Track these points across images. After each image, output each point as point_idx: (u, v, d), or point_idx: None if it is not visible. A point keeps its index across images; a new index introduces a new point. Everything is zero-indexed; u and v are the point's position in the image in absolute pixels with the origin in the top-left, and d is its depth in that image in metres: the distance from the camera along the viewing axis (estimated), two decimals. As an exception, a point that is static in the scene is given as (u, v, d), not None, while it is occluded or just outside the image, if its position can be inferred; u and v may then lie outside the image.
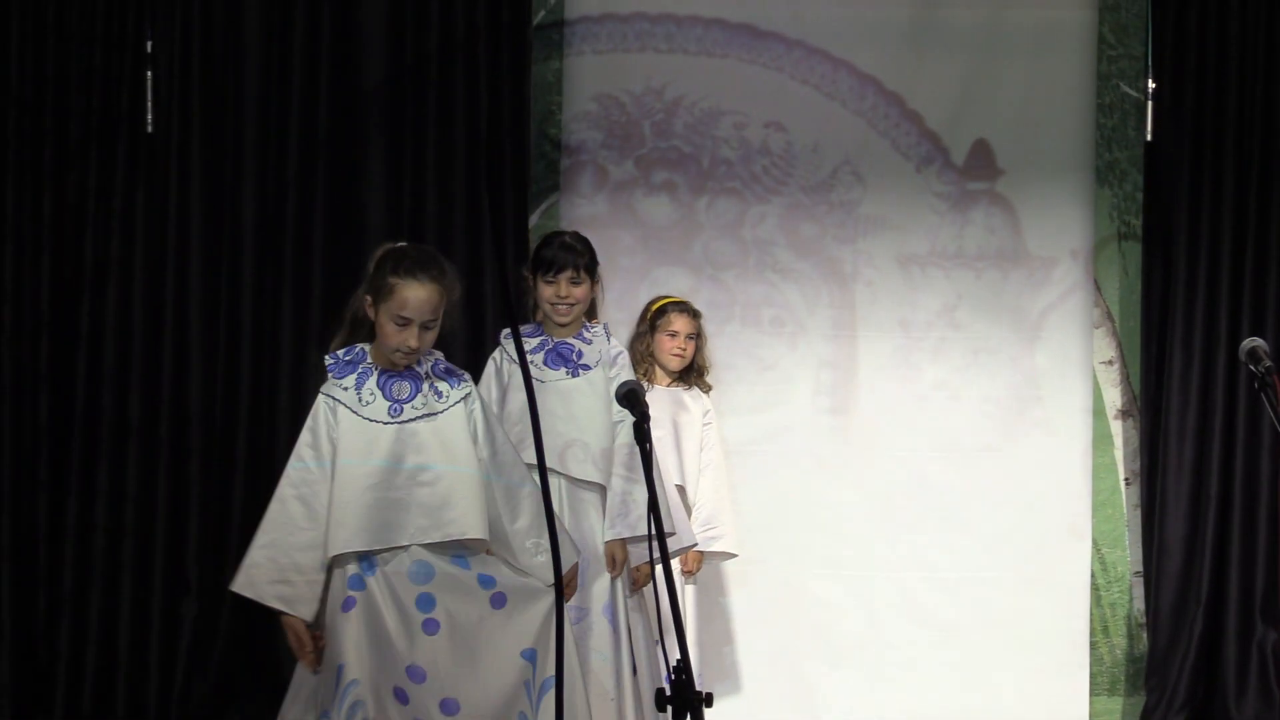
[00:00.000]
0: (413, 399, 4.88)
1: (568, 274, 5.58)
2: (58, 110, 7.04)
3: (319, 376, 4.96)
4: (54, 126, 7.05)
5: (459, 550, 4.85)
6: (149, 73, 7.09)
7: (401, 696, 4.78)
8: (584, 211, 7.35)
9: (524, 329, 5.61)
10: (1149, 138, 7.28)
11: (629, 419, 4.51)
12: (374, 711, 4.73)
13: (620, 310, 6.77)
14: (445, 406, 4.90)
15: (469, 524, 4.83)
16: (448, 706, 4.78)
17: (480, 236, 7.06)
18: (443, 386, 4.92)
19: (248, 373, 7.08)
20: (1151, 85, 7.27)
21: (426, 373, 4.92)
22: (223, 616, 6.98)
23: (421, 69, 7.13)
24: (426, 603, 4.80)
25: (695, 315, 6.71)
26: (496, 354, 5.67)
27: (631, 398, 4.51)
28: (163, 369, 7.05)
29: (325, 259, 7.05)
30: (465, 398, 4.93)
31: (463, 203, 7.05)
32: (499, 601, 4.83)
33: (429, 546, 4.82)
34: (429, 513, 4.82)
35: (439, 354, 4.97)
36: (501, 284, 3.99)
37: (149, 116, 7.08)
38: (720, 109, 7.40)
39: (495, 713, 4.78)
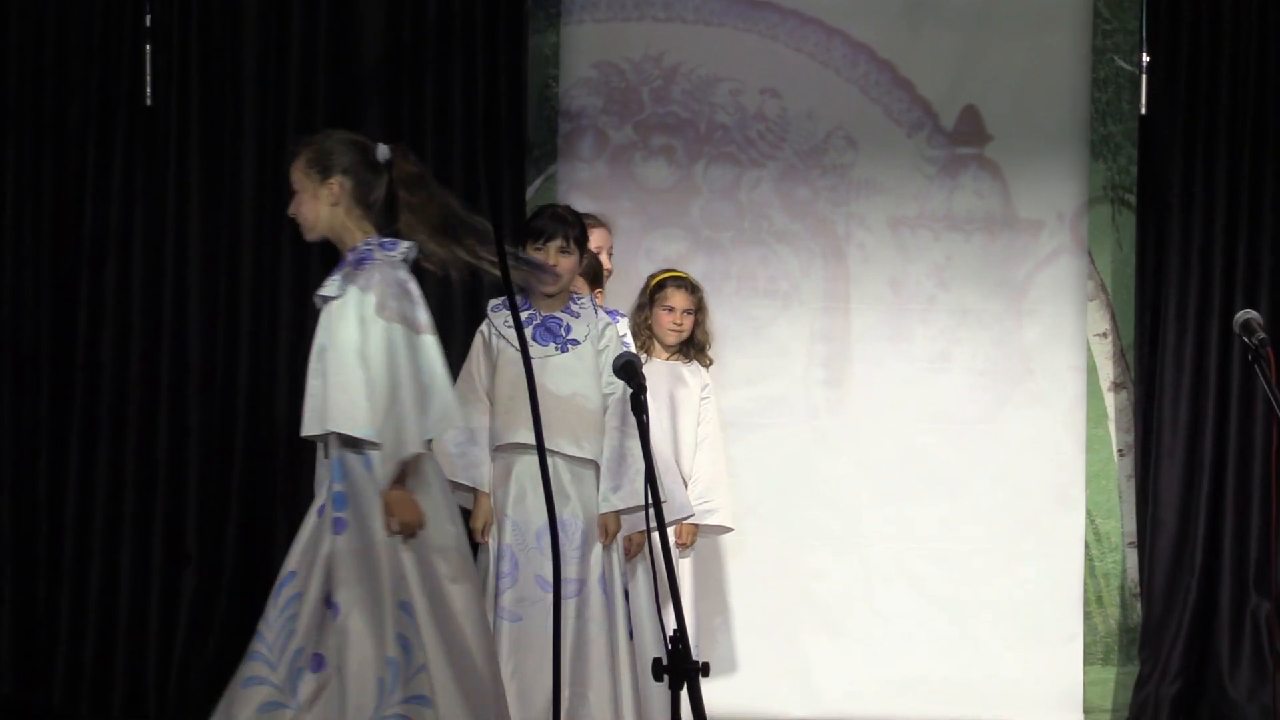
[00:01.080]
0: (324, 285, 4.91)
1: (557, 243, 5.59)
2: (57, 84, 7.04)
3: None
4: (53, 100, 7.04)
5: (362, 449, 4.80)
6: (148, 46, 7.10)
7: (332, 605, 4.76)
8: (584, 175, 7.39)
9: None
10: (1143, 111, 7.29)
11: (621, 388, 4.51)
12: (307, 623, 4.71)
13: (618, 272, 6.77)
14: (335, 294, 4.85)
15: (335, 417, 4.74)
16: (334, 610, 4.76)
17: (478, 211, 7.04)
18: (347, 273, 4.87)
19: (246, 347, 7.07)
20: (1146, 59, 7.28)
21: (348, 260, 4.90)
22: (221, 593, 6.99)
23: (419, 43, 7.13)
24: (340, 501, 4.78)
25: (694, 290, 6.68)
26: (484, 327, 5.64)
27: (629, 369, 4.53)
28: (162, 342, 7.05)
29: (323, 233, 7.05)
30: (356, 286, 4.82)
31: (460, 177, 7.05)
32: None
33: (342, 442, 4.76)
34: (310, 404, 4.83)
35: (372, 247, 4.89)
36: (499, 258, 4.00)
37: (148, 90, 7.08)
38: (717, 76, 7.42)
39: (372, 619, 4.73)
